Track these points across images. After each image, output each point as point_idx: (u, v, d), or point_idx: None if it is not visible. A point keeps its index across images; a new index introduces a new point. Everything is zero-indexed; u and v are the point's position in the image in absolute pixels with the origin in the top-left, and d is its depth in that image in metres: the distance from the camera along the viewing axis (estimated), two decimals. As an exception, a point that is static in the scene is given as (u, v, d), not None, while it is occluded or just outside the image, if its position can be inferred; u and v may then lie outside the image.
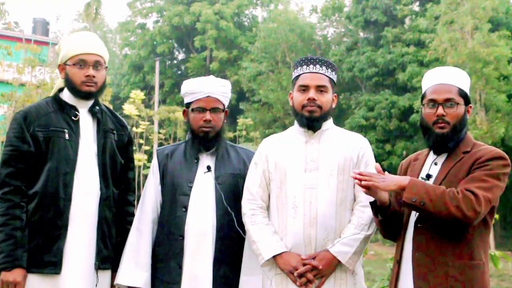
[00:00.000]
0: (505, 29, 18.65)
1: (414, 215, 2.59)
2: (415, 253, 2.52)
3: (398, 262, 2.62)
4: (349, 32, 26.69)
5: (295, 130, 2.95)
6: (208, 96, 3.05)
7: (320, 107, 2.82)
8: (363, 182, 2.45)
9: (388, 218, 2.63)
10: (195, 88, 3.08)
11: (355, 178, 2.47)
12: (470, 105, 2.65)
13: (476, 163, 2.49)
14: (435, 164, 2.62)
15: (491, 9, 17.85)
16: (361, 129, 21.63)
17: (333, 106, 2.92)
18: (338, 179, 2.80)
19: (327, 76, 2.86)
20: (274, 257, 2.77)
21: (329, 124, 2.92)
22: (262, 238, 2.80)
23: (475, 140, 2.65)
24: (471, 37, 17.46)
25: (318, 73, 2.85)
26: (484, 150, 2.54)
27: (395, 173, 2.85)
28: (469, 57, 16.91)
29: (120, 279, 2.97)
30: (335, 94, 2.95)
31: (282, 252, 2.76)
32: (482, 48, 16.91)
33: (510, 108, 18.04)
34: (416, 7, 24.75)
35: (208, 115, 3.03)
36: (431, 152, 2.70)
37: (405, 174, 2.76)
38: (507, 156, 2.53)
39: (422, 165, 2.69)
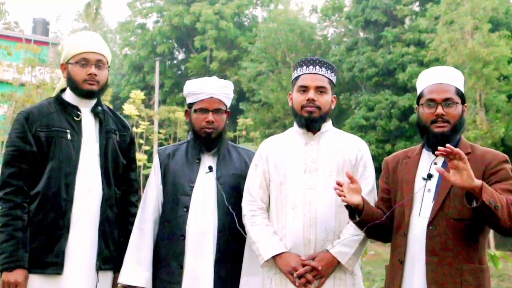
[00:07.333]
0: (505, 29, 18.65)
1: (417, 215, 2.57)
2: (428, 258, 2.52)
3: (402, 262, 2.60)
4: (349, 32, 26.70)
5: (295, 131, 2.96)
6: (211, 97, 3.05)
7: (319, 108, 2.84)
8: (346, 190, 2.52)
9: (368, 226, 2.61)
10: (198, 89, 3.08)
11: (338, 188, 2.53)
12: (465, 104, 2.67)
13: (489, 168, 2.52)
14: (435, 164, 2.61)
15: (491, 9, 17.87)
16: (361, 129, 21.62)
17: (332, 107, 2.93)
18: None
19: (326, 77, 2.88)
20: (274, 257, 2.78)
21: (328, 125, 2.94)
22: (262, 239, 2.80)
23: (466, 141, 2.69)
24: (471, 37, 17.46)
25: (318, 74, 2.86)
26: (490, 154, 2.58)
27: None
28: (469, 57, 16.91)
29: (122, 278, 2.99)
30: (334, 96, 2.96)
31: (282, 253, 2.76)
32: (482, 48, 16.90)
33: (510, 108, 18.05)
34: (416, 7, 24.76)
35: (210, 116, 3.03)
36: (426, 151, 2.70)
37: (394, 172, 2.75)
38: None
39: (417, 165, 2.68)
